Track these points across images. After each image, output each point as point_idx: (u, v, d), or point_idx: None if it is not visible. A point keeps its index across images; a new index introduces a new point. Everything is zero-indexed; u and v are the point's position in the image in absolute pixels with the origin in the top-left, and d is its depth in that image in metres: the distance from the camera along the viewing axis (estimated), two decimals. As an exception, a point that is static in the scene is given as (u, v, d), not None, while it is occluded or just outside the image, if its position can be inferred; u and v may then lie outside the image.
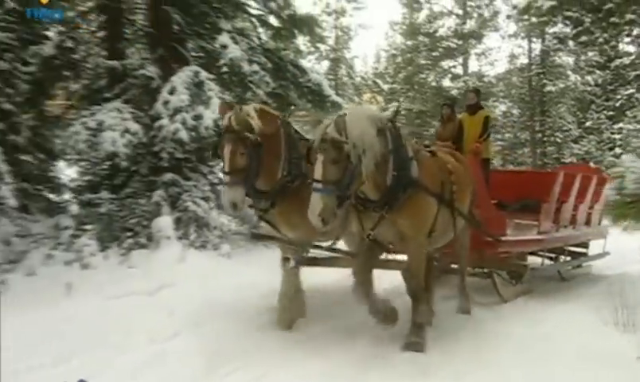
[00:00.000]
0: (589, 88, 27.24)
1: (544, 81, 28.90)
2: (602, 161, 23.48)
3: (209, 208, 9.27)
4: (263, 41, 11.93)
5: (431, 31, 32.20)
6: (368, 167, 4.43)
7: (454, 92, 28.40)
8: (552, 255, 8.71)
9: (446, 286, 7.18)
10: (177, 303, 5.67)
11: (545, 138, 28.98)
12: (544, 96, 29.21)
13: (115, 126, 8.36)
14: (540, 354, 4.98)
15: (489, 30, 32.09)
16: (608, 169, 22.78)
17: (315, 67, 24.40)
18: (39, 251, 7.34)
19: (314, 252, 5.96)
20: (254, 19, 11.99)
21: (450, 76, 32.41)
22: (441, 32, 32.21)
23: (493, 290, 7.22)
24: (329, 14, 31.91)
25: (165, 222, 8.29)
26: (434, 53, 31.85)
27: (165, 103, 8.74)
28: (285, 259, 5.58)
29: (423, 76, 31.63)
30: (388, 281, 6.51)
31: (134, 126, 8.67)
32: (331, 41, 31.28)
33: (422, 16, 33.26)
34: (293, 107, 11.66)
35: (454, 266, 7.01)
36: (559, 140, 28.16)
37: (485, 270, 7.18)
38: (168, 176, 9.06)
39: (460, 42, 31.56)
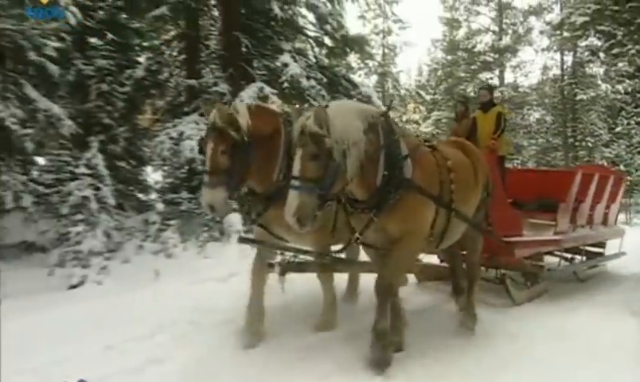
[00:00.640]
0: (619, 96, 26.08)
1: (576, 90, 27.90)
2: (632, 163, 22.62)
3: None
4: (319, 59, 12.06)
5: (469, 47, 31.62)
6: (353, 165, 3.62)
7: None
8: (568, 256, 7.66)
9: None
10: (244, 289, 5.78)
11: (577, 143, 27.98)
12: (575, 104, 28.21)
13: (193, 136, 8.63)
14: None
15: (524, 45, 31.26)
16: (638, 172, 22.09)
17: (365, 81, 24.50)
18: (132, 242, 7.67)
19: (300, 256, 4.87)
20: (311, 40, 12.15)
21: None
22: (479, 47, 31.55)
23: (504, 292, 6.28)
24: (377, 34, 31.81)
25: (234, 218, 8.49)
26: (472, 66, 31.27)
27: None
28: (269, 265, 4.58)
29: (462, 87, 31.05)
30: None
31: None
32: (379, 58, 31.16)
33: (461, 33, 32.71)
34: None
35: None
36: (590, 144, 27.14)
37: (498, 276, 6.31)
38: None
39: (496, 56, 30.87)
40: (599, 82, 28.18)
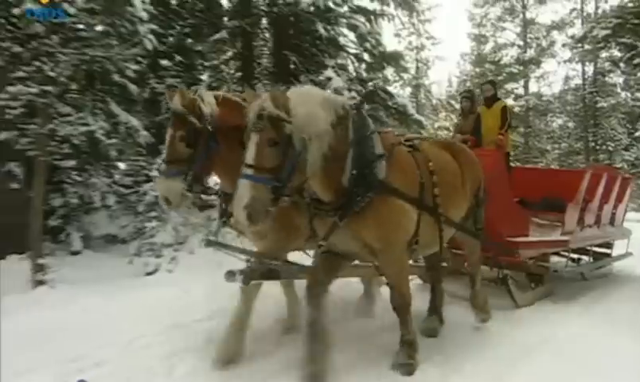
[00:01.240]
0: (638, 103, 25.03)
1: (597, 98, 26.95)
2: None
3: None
4: (358, 73, 12.08)
5: (495, 59, 30.97)
6: (314, 159, 2.90)
7: (515, 110, 27.10)
8: (575, 256, 6.83)
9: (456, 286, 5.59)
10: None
11: (598, 147, 26.99)
12: (596, 111, 27.24)
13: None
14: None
15: (547, 57, 30.37)
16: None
17: (400, 92, 24.30)
18: (196, 236, 7.85)
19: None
20: (352, 56, 12.18)
21: (512, 96, 31.01)
22: (504, 60, 30.88)
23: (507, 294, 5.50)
24: (411, 50, 31.56)
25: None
26: (499, 77, 30.61)
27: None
28: (230, 274, 3.44)
29: (489, 96, 30.44)
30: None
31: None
32: (413, 71, 30.89)
33: (488, 47, 32.07)
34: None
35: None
36: (610, 148, 26.15)
37: (500, 276, 5.45)
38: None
39: (521, 68, 30.11)
40: (619, 90, 27.16)
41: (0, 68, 5.82)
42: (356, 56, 12.15)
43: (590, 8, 28.19)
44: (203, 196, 3.99)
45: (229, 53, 11.74)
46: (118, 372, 3.54)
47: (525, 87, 30.98)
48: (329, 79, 10.29)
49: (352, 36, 11.97)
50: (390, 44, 15.32)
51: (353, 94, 10.54)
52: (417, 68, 31.82)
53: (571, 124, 29.85)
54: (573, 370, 3.71)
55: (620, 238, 7.83)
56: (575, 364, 3.81)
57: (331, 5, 10.61)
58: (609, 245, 7.62)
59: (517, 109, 27.80)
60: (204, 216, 8.71)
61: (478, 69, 32.35)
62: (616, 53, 24.37)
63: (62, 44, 5.72)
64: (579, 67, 29.08)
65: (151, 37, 6.96)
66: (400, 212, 3.32)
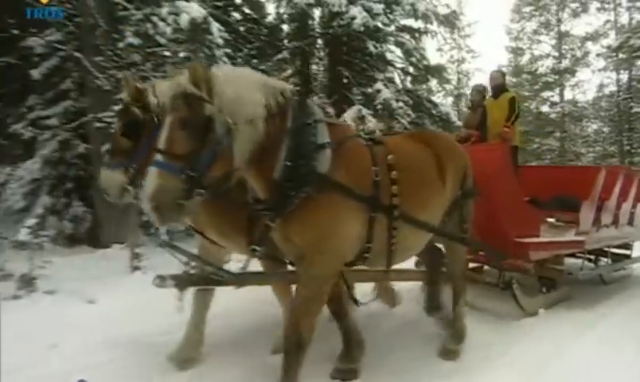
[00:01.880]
0: (674, 108, 23.33)
1: (631, 104, 25.28)
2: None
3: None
4: (405, 85, 12.00)
5: (532, 70, 29.72)
6: (244, 148, 2.22)
7: (552, 116, 25.89)
8: (592, 258, 5.65)
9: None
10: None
11: (632, 150, 25.32)
12: (631, 116, 25.55)
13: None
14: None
15: (581, 66, 28.80)
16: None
17: (443, 101, 23.86)
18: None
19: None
20: (399, 70, 12.11)
21: (548, 103, 29.66)
22: (540, 70, 29.56)
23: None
24: (452, 63, 30.85)
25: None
26: (535, 87, 29.38)
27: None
28: (159, 278, 2.90)
29: (526, 104, 29.22)
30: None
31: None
32: (454, 82, 30.23)
33: (524, 59, 30.84)
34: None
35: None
36: (645, 151, 24.50)
37: (504, 280, 4.34)
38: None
39: (557, 77, 28.73)
40: (654, 96, 25.37)
41: (107, 91, 6.25)
42: (402, 69, 12.11)
43: (624, 19, 26.51)
44: None
45: (289, 71, 11.92)
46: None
47: (561, 94, 29.54)
48: (379, 91, 10.31)
49: (399, 52, 11.95)
50: (433, 58, 15.14)
51: (400, 104, 10.47)
52: (458, 79, 31.04)
53: (605, 129, 28.19)
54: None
55: None
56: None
57: (380, 25, 10.61)
58: (628, 246, 6.26)
59: (553, 116, 26.57)
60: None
61: (515, 79, 31.21)
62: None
63: (154, 69, 6.05)
64: (613, 75, 27.45)
65: (225, 59, 7.19)
66: (342, 213, 2.44)
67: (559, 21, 29.00)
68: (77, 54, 6.42)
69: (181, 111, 2.08)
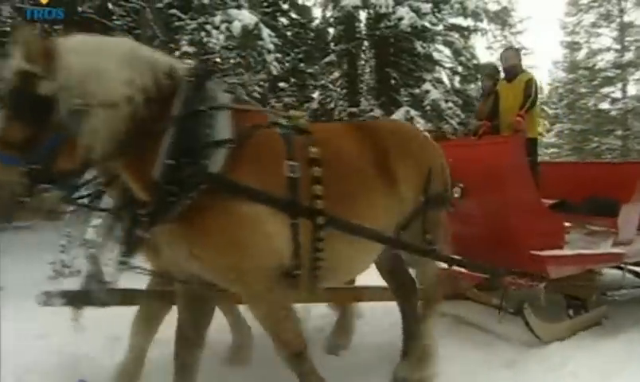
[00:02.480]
0: None
1: None
2: None
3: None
4: (454, 85, 11.78)
5: (590, 65, 28.18)
6: (101, 135, 1.72)
7: (613, 113, 24.44)
8: (638, 270, 4.40)
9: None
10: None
11: None
12: (703, 111, 23.70)
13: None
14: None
15: (647, 59, 27.00)
16: None
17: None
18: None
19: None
20: (447, 70, 11.91)
21: (608, 100, 28.03)
22: (600, 65, 27.96)
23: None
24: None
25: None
26: (593, 83, 27.84)
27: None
28: (45, 295, 2.56)
29: (584, 101, 27.75)
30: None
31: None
32: (504, 81, 29.26)
33: (581, 54, 29.27)
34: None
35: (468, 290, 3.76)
36: None
37: (503, 301, 3.38)
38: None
39: (619, 71, 27.08)
40: None
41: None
42: (451, 69, 11.92)
43: (696, 6, 24.63)
44: None
45: (336, 73, 12.03)
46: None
47: (623, 90, 27.81)
48: (427, 91, 10.19)
49: (447, 51, 11.78)
50: (483, 56, 14.69)
51: (450, 104, 10.29)
52: (509, 77, 30.06)
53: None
54: None
55: None
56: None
57: (428, 24, 10.49)
58: None
59: (614, 113, 25.06)
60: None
61: (571, 76, 29.71)
62: None
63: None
64: (683, 67, 25.51)
65: (275, 63, 7.37)
66: (247, 221, 1.90)
67: (621, 11, 27.36)
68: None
69: (14, 92, 1.68)
